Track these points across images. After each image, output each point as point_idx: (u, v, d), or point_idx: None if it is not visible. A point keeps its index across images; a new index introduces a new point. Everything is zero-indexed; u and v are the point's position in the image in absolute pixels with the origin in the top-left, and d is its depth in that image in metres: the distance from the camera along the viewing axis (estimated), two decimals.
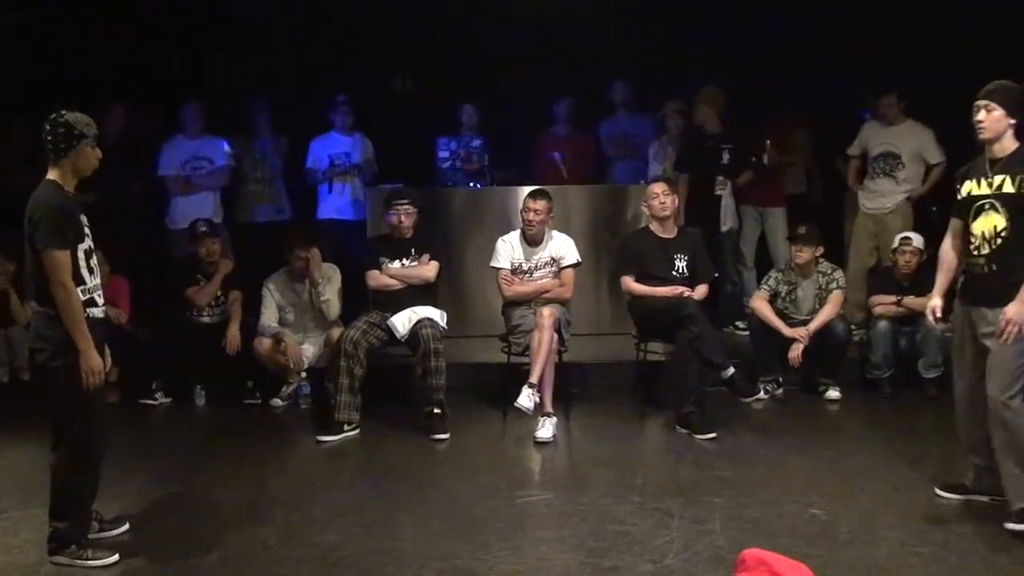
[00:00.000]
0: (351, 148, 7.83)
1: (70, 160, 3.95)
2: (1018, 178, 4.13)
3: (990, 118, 4.19)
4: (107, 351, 4.14)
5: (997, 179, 4.20)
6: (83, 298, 3.94)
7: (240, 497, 4.81)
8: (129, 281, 6.92)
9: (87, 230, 4.05)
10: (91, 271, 4.04)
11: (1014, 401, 4.09)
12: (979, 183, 4.27)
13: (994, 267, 4.19)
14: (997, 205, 4.18)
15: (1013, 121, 4.20)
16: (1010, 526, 4.11)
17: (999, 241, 4.18)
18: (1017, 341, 4.03)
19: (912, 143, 7.36)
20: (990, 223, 4.20)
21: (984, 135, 4.23)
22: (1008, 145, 4.21)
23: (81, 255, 3.98)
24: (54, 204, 3.89)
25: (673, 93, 7.97)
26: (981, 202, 4.23)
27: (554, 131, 8.38)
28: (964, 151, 7.20)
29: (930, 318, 4.53)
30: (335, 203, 7.84)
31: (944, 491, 4.60)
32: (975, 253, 4.27)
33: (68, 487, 4.01)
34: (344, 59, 8.48)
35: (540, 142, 8.39)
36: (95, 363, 3.91)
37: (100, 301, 4.10)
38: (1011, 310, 4.03)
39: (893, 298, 6.66)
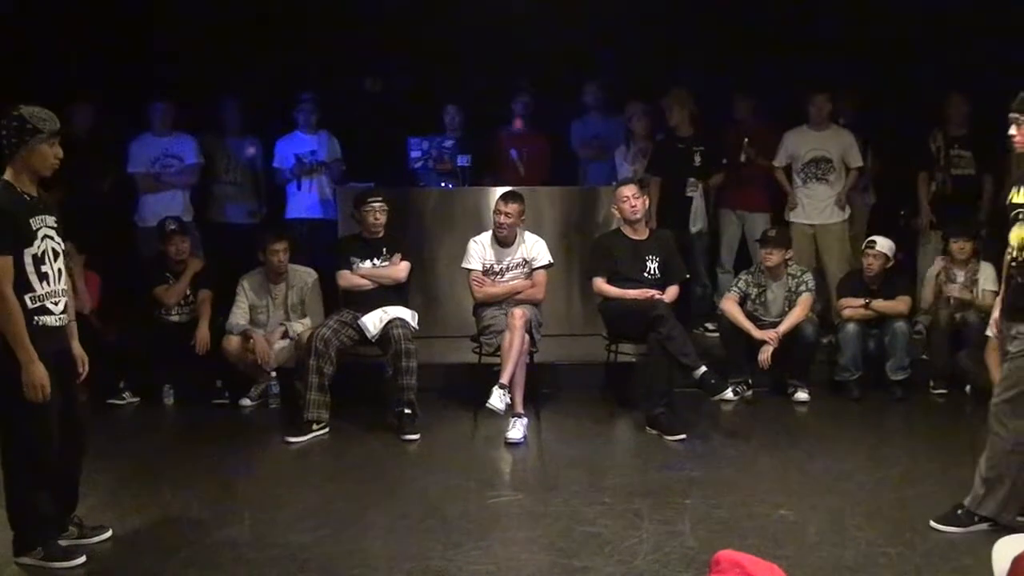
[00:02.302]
0: (317, 146, 7.77)
1: (22, 157, 3.76)
2: None
3: (1022, 132, 3.96)
4: (76, 354, 4.07)
5: None
6: (32, 305, 3.76)
7: (208, 497, 4.78)
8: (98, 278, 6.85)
9: (47, 232, 3.84)
10: (44, 277, 3.81)
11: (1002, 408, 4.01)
12: (1019, 191, 4.04)
13: (1020, 280, 3.98)
14: None
15: None
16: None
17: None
18: None
19: (840, 147, 7.43)
20: (1020, 234, 3.99)
21: (1020, 149, 4.01)
22: None
23: (29, 260, 3.75)
24: None
25: (643, 94, 7.96)
26: (1017, 211, 4.01)
27: (511, 129, 8.35)
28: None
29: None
30: (304, 202, 7.78)
31: None
32: (1012, 264, 4.06)
33: (21, 492, 3.90)
34: (315, 59, 8.43)
35: (497, 140, 8.35)
36: (36, 376, 3.71)
37: (57, 308, 3.88)
38: None
39: (861, 301, 6.71)
